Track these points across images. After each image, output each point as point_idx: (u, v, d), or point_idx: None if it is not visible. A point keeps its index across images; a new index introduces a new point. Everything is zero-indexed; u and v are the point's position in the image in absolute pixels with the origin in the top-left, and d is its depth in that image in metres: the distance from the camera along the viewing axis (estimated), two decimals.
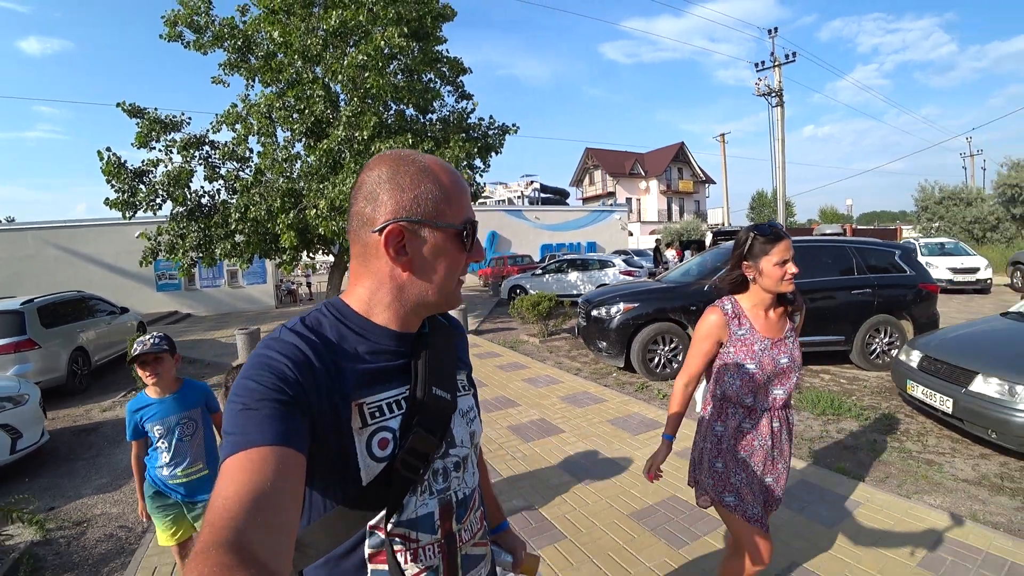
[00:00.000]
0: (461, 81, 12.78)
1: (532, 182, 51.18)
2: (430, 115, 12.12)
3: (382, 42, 9.14)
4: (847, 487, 3.57)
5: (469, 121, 12.32)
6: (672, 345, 6.57)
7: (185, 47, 10.23)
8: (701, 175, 44.39)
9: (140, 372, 2.40)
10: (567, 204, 43.73)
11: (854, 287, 6.62)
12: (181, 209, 10.07)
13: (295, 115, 9.91)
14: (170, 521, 2.51)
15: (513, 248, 24.98)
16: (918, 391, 4.65)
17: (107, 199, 9.71)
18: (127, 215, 9.88)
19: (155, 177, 9.88)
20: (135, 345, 2.41)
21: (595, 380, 6.61)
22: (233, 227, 9.73)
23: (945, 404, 4.30)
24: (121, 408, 6.68)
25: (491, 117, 12.31)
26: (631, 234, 34.97)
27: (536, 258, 23.77)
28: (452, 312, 1.17)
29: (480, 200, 41.56)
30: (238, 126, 10.45)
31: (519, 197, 48.73)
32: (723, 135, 26.91)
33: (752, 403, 1.85)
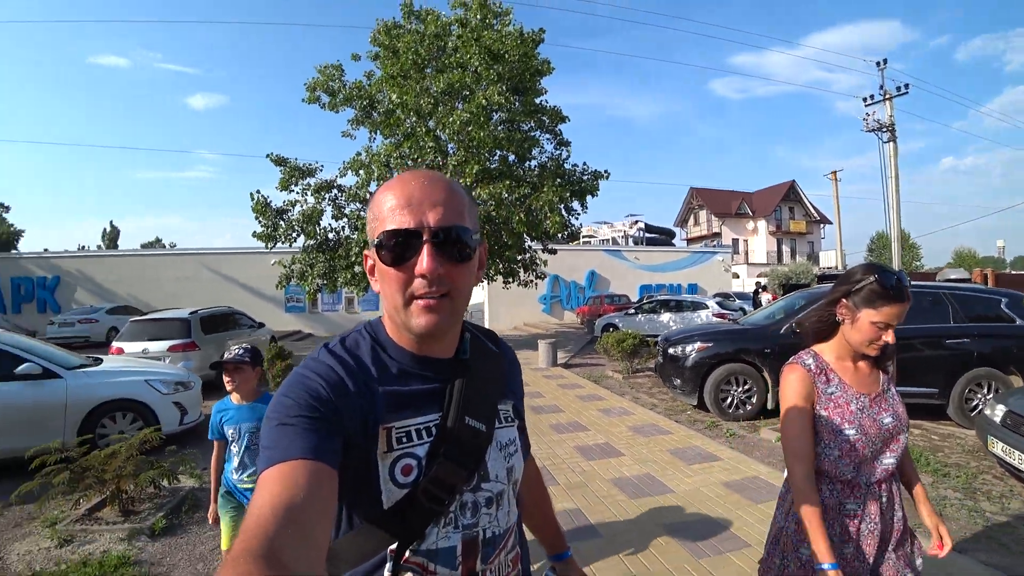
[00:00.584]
0: (559, 129, 13.70)
1: (637, 221, 50.75)
2: (529, 161, 13.09)
3: (483, 100, 10.25)
4: None
5: (565, 167, 13.15)
6: (746, 386, 6.67)
7: (321, 108, 12.09)
8: (815, 214, 41.92)
9: (224, 378, 2.65)
10: (672, 244, 43.06)
11: (949, 336, 6.35)
12: (312, 242, 11.73)
13: (409, 163, 11.27)
14: (231, 522, 2.66)
15: (612, 288, 25.23)
16: (998, 447, 4.48)
17: (254, 232, 11.59)
18: (269, 246, 11.69)
19: (292, 215, 11.64)
20: (226, 352, 2.67)
21: (667, 415, 6.86)
22: (353, 259, 11.17)
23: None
24: None
25: (584, 163, 13.08)
26: (736, 276, 33.80)
27: (634, 298, 23.86)
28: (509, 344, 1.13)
29: (584, 239, 42.23)
30: (361, 172, 12.05)
31: (623, 237, 48.42)
32: (835, 172, 25.52)
33: (854, 477, 1.51)
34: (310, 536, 0.62)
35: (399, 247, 0.79)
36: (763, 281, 22.94)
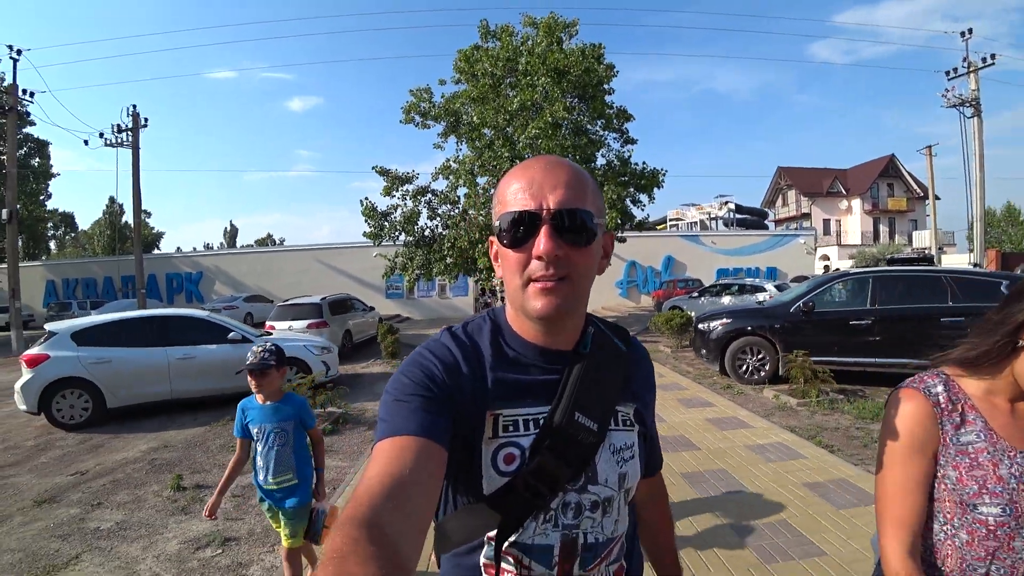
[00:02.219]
0: (626, 128, 15.19)
1: (727, 202, 49.51)
2: (594, 161, 14.67)
3: (550, 117, 12.02)
4: None
5: (631, 164, 14.64)
6: (759, 355, 8.04)
7: (416, 127, 14.39)
8: (917, 191, 39.29)
9: (249, 380, 2.60)
10: (766, 226, 42.06)
11: (944, 314, 7.34)
12: (411, 239, 14.11)
13: (489, 168, 13.30)
14: (272, 519, 2.76)
15: (689, 272, 25.96)
16: None
17: (364, 232, 14.15)
18: (376, 243, 14.23)
19: (395, 217, 14.08)
20: (248, 355, 2.61)
21: (694, 380, 8.40)
22: (445, 253, 13.42)
23: None
24: (372, 367, 10.48)
25: (644, 162, 14.49)
26: (826, 259, 32.90)
27: (710, 282, 24.52)
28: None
29: (671, 223, 41.86)
30: (451, 177, 14.23)
31: (712, 219, 47.14)
32: (929, 148, 24.53)
33: (986, 572, 0.99)
34: (413, 511, 0.65)
35: (519, 229, 0.79)
36: (840, 264, 22.74)
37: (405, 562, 0.60)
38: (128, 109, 20.95)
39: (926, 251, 21.90)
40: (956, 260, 26.40)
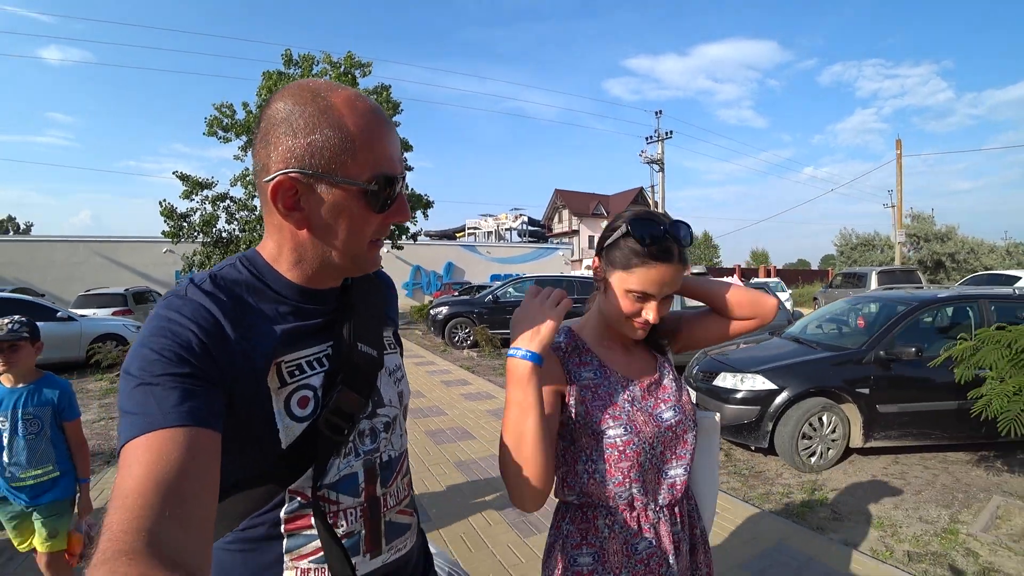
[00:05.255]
0: (404, 156, 18.99)
1: (520, 215, 55.56)
2: None
3: None
4: None
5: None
6: (467, 331, 12.30)
7: (218, 140, 16.40)
8: None
9: None
10: (548, 240, 48.87)
11: None
12: (208, 240, 16.03)
13: None
14: (15, 529, 2.32)
15: (467, 276, 30.67)
16: None
17: (163, 231, 15.73)
18: (175, 242, 15.89)
19: (194, 220, 15.89)
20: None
21: (432, 351, 12.36)
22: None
23: None
24: None
25: (412, 189, 18.47)
26: (587, 269, 40.58)
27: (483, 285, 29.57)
28: None
29: (469, 231, 45.79)
30: (249, 187, 16.48)
31: (507, 230, 51.21)
32: (653, 186, 32.77)
33: (641, 497, 1.08)
34: (194, 517, 0.56)
35: (385, 193, 0.77)
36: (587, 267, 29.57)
37: None
38: None
39: None
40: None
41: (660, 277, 1.04)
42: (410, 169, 19.06)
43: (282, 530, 0.80)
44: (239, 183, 16.74)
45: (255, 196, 17.29)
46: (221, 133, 16.46)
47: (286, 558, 0.80)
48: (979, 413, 3.72)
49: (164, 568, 0.49)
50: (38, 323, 2.41)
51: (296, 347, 0.80)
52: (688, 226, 1.07)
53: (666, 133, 26.42)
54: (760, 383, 4.57)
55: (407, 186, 1.74)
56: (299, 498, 0.80)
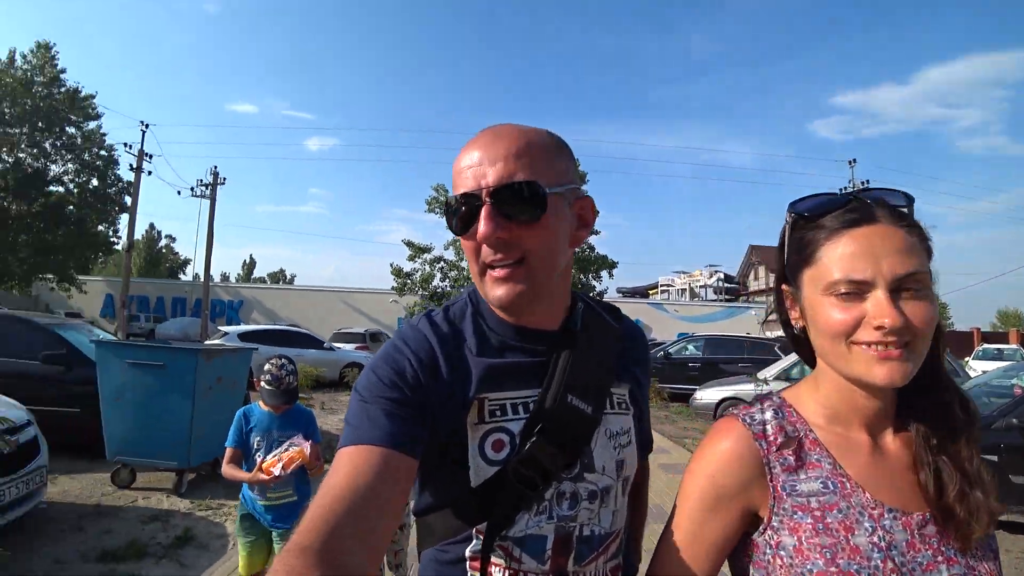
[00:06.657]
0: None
1: (716, 271, 51.71)
2: None
3: None
4: None
5: (589, 255, 20.06)
6: None
7: (437, 216, 19.79)
8: None
9: (264, 387, 2.48)
10: (740, 298, 45.39)
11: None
12: (426, 294, 19.35)
13: None
14: (249, 548, 2.47)
15: (654, 334, 30.49)
16: None
17: (392, 286, 19.49)
18: (400, 295, 19.56)
19: (416, 277, 19.39)
20: (267, 366, 2.49)
21: None
22: None
23: None
24: None
25: (591, 248, 19.92)
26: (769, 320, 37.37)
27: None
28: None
29: (662, 288, 43.83)
30: (459, 251, 19.54)
31: (702, 287, 49.46)
32: None
33: None
34: (369, 533, 0.61)
35: (463, 213, 0.74)
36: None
37: None
38: (211, 169, 26.63)
39: None
40: None
41: (867, 244, 0.66)
42: (596, 233, 20.64)
43: (467, 567, 0.77)
44: (451, 247, 19.98)
45: (463, 258, 20.42)
46: (440, 210, 19.96)
47: None
48: None
49: (324, 570, 0.53)
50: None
51: (502, 387, 0.79)
52: (895, 191, 0.73)
53: (862, 183, 24.09)
54: None
55: (502, 190, 0.74)
56: (482, 539, 0.77)
